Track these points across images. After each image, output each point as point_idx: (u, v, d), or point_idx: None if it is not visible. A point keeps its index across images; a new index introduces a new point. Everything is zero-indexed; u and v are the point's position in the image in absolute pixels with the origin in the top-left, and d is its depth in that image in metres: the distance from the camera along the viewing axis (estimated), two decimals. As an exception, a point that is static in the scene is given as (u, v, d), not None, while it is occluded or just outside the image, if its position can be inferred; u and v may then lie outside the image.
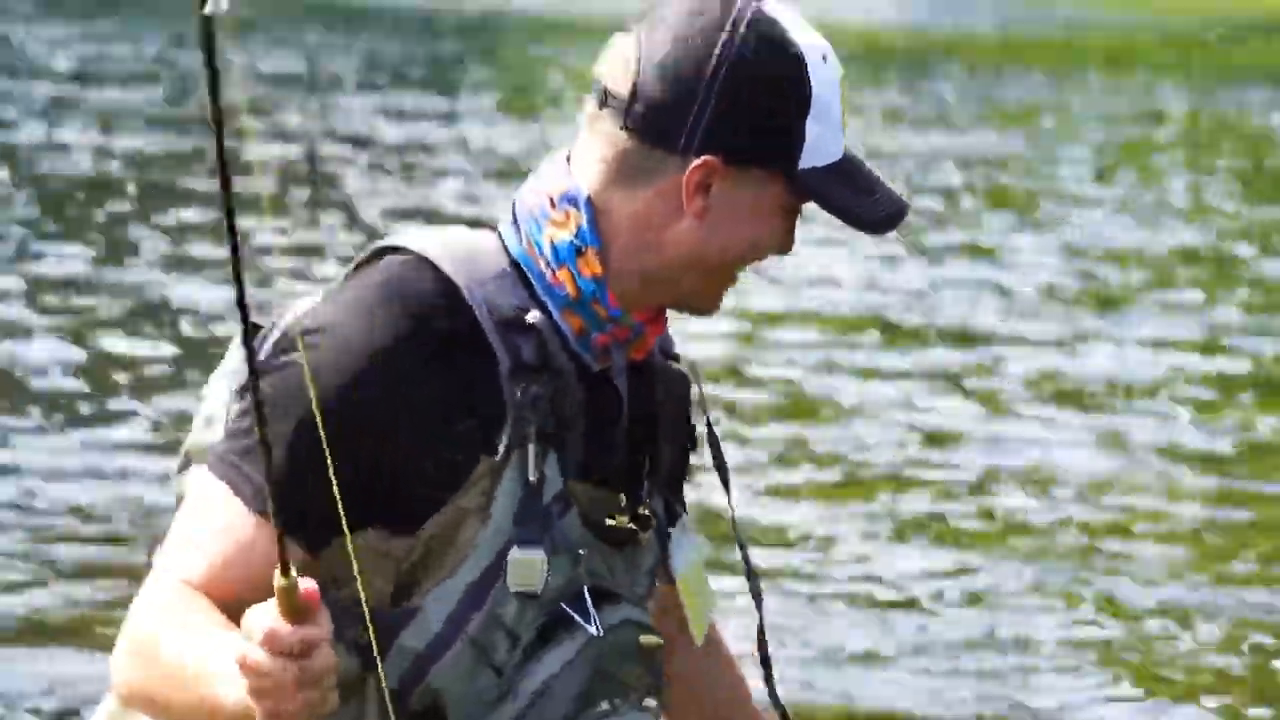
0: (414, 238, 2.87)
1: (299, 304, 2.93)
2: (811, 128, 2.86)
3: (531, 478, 2.80)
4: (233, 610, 2.72)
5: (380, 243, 2.87)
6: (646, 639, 2.90)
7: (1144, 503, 8.95)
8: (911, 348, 12.09)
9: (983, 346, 12.23)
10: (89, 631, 6.43)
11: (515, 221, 2.91)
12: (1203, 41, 36.31)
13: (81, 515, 7.91)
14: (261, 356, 2.85)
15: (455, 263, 2.84)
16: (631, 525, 2.92)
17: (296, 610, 2.53)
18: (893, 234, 2.94)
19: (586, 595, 2.84)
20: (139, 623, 2.80)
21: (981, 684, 6.64)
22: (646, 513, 2.95)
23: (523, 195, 2.92)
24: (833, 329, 12.52)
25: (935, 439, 10.20)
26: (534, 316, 2.84)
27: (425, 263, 2.82)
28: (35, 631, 6.73)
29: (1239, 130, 25.55)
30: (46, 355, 10.78)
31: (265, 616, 2.53)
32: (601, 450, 2.91)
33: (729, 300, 3.03)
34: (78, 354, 10.77)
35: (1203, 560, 8.04)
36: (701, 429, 3.12)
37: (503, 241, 2.91)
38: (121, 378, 10.04)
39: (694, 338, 11.55)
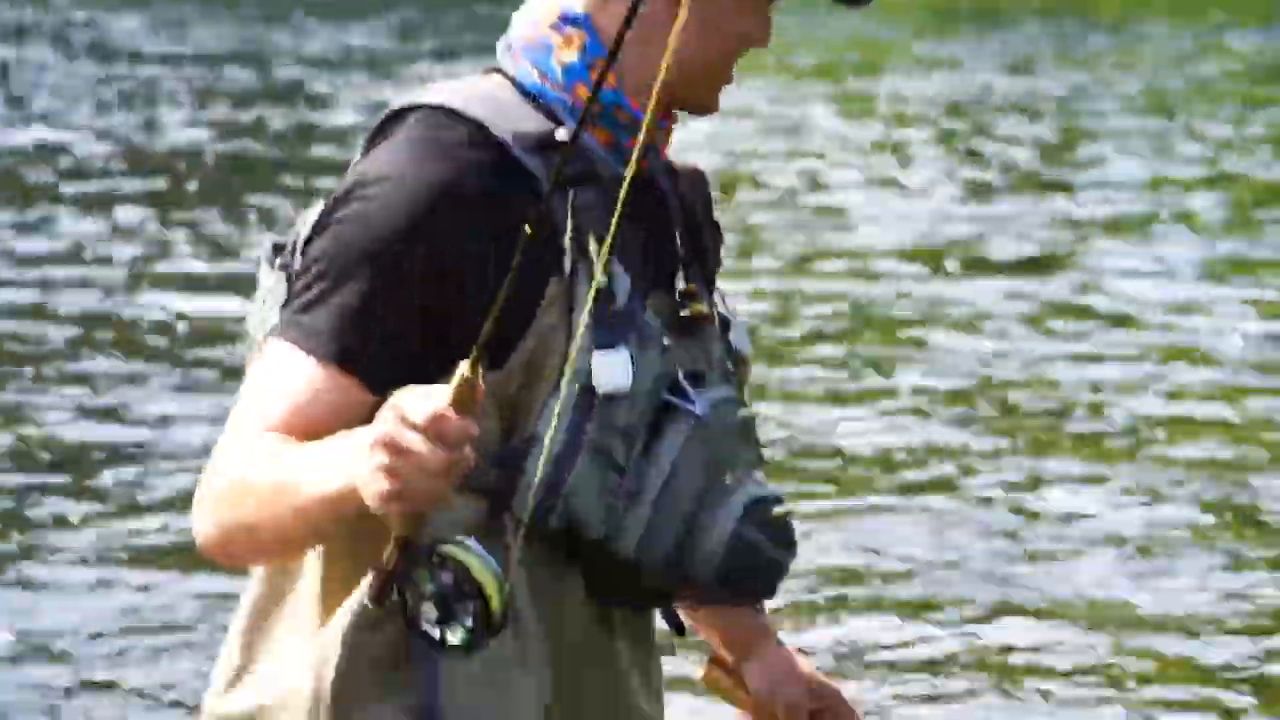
0: (427, 93, 2.84)
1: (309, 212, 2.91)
2: None
3: (601, 284, 2.76)
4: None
5: (394, 105, 2.85)
6: (744, 412, 2.90)
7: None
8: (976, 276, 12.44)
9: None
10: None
11: (520, 60, 2.88)
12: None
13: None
14: (294, 257, 2.84)
15: (474, 105, 2.81)
16: (701, 312, 2.90)
17: (465, 405, 2.49)
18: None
19: (683, 382, 2.81)
20: (220, 467, 2.75)
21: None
22: (704, 305, 2.93)
23: (517, 32, 2.90)
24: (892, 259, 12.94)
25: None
26: (563, 133, 2.79)
27: (446, 110, 2.79)
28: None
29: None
30: (163, 313, 11.12)
31: (430, 400, 2.48)
32: (659, 251, 2.89)
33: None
34: (198, 308, 11.14)
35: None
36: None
37: (511, 80, 2.87)
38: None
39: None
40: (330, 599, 2.81)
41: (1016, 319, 11.39)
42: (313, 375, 2.73)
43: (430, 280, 2.74)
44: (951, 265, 12.89)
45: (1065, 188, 15.95)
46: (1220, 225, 14.41)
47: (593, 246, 2.76)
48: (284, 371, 2.74)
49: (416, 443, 2.45)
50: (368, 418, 2.62)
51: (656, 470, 2.76)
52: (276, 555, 2.81)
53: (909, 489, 8.38)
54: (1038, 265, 12.93)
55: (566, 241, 2.76)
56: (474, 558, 2.53)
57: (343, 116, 18.21)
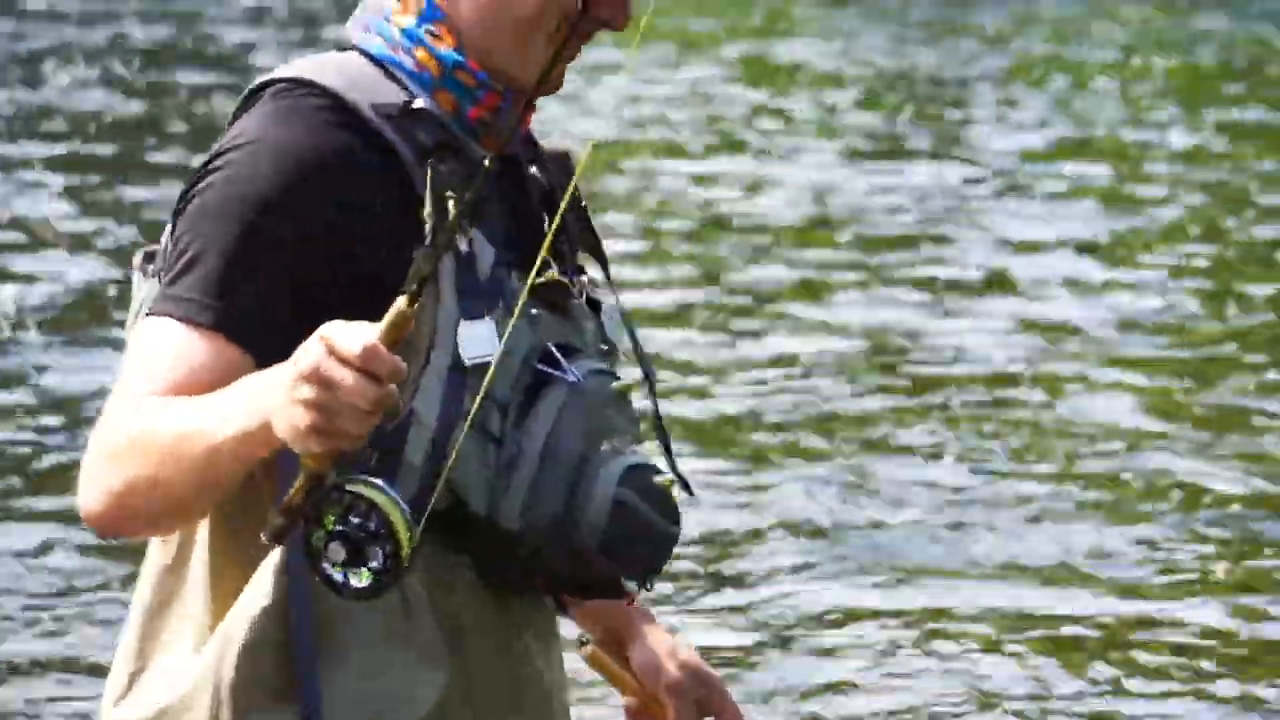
0: (285, 70, 2.80)
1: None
2: None
3: (462, 250, 2.72)
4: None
5: (252, 84, 2.80)
6: (618, 384, 2.82)
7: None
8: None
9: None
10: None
11: (367, 31, 2.84)
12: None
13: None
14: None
15: (329, 76, 2.76)
16: (568, 288, 2.85)
17: (397, 342, 2.46)
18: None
19: (554, 350, 2.75)
20: (109, 431, 2.66)
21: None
22: (568, 280, 2.87)
23: (364, 5, 2.86)
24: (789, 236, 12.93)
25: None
26: (420, 102, 2.77)
27: (304, 81, 2.75)
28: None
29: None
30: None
31: (363, 334, 2.44)
32: (523, 229, 2.83)
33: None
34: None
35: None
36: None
37: (362, 52, 2.83)
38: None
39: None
40: (221, 596, 2.74)
41: (900, 285, 11.49)
42: (191, 342, 2.67)
43: (296, 244, 2.69)
44: (836, 234, 12.86)
45: (946, 157, 16.01)
46: (1100, 194, 14.50)
47: (454, 218, 2.66)
48: (162, 343, 2.68)
49: (347, 377, 2.42)
50: (234, 371, 2.63)
51: (533, 438, 2.70)
52: (176, 513, 2.69)
53: (792, 452, 8.50)
54: (920, 235, 12.95)
55: (427, 211, 2.69)
56: (386, 498, 2.50)
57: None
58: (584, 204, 2.96)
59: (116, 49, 19.84)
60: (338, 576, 2.50)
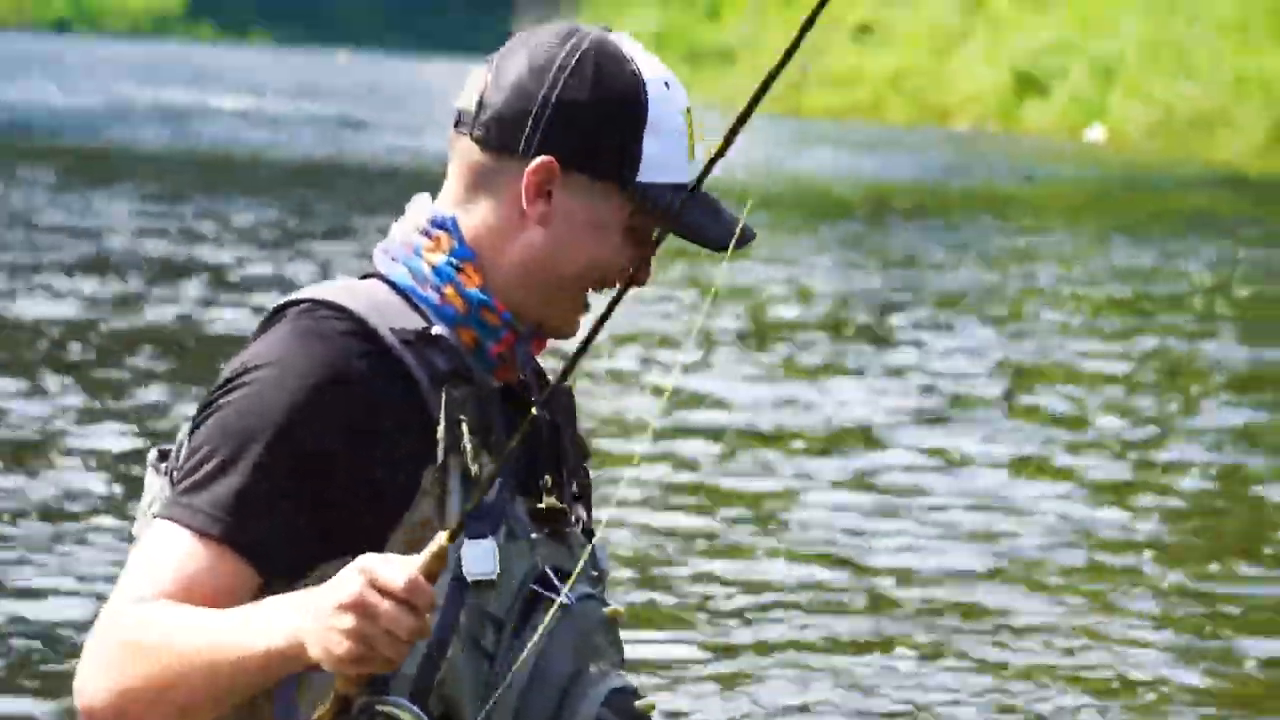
0: (309, 291, 2.87)
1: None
2: (649, 143, 2.88)
3: (472, 472, 2.78)
4: None
5: (278, 303, 2.87)
6: (609, 610, 2.90)
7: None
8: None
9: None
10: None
11: (393, 262, 2.92)
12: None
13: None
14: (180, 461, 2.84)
15: (353, 300, 2.83)
16: (561, 512, 2.91)
17: (434, 576, 2.59)
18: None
19: (550, 574, 2.81)
20: (114, 630, 2.71)
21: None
22: (566, 510, 2.95)
23: (393, 239, 2.93)
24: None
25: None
26: (440, 329, 2.84)
27: (328, 304, 2.82)
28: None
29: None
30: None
31: (405, 567, 2.56)
32: (529, 458, 2.88)
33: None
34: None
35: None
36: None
37: (385, 280, 2.91)
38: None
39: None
40: None
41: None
42: (201, 555, 2.73)
43: (308, 466, 2.75)
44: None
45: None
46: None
47: (465, 441, 2.78)
48: (169, 549, 2.73)
49: (390, 609, 2.55)
50: (242, 589, 2.71)
51: (524, 660, 2.76)
52: (183, 716, 2.73)
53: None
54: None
55: (440, 433, 2.78)
56: (410, 716, 2.67)
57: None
58: (580, 436, 3.06)
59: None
60: None
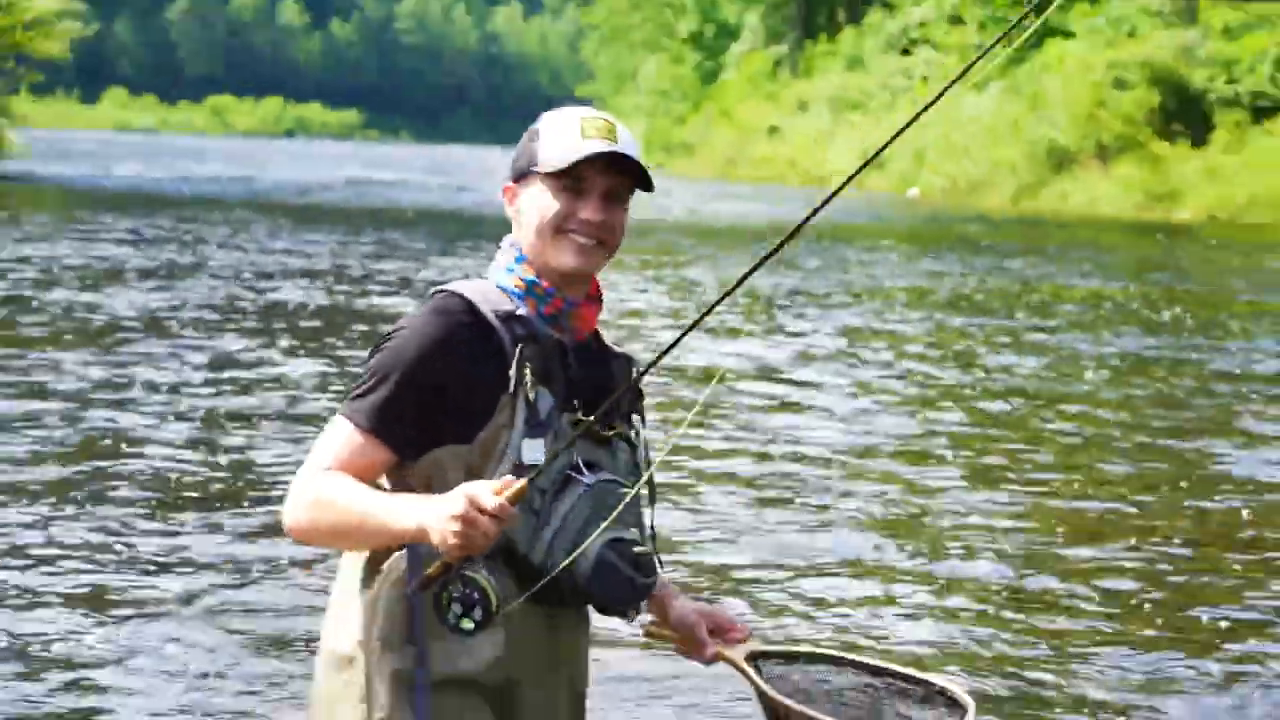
0: (449, 284, 2.79)
1: None
2: (542, 149, 2.75)
3: (530, 399, 2.69)
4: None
5: (430, 290, 2.82)
6: (623, 490, 2.73)
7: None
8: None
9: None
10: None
11: (496, 270, 2.83)
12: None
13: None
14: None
15: (470, 290, 2.75)
16: (606, 431, 2.77)
17: (514, 500, 2.56)
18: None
19: (580, 463, 2.71)
20: (309, 485, 2.68)
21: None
22: (616, 430, 2.80)
23: (495, 257, 2.85)
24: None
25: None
26: (521, 310, 2.75)
27: (452, 292, 2.75)
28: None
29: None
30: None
31: (492, 494, 2.54)
32: (582, 390, 2.77)
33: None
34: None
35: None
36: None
37: (494, 281, 2.82)
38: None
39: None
40: (374, 576, 2.76)
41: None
42: (357, 440, 2.69)
43: (428, 389, 2.68)
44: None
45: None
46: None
47: (528, 379, 2.69)
48: (341, 435, 2.70)
49: (484, 522, 2.53)
50: (383, 465, 2.68)
51: (557, 513, 2.68)
52: (337, 546, 2.76)
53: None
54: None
55: (513, 374, 2.70)
56: (486, 582, 2.59)
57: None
58: (639, 390, 2.88)
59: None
60: (453, 621, 2.59)
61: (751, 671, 2.82)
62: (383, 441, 2.68)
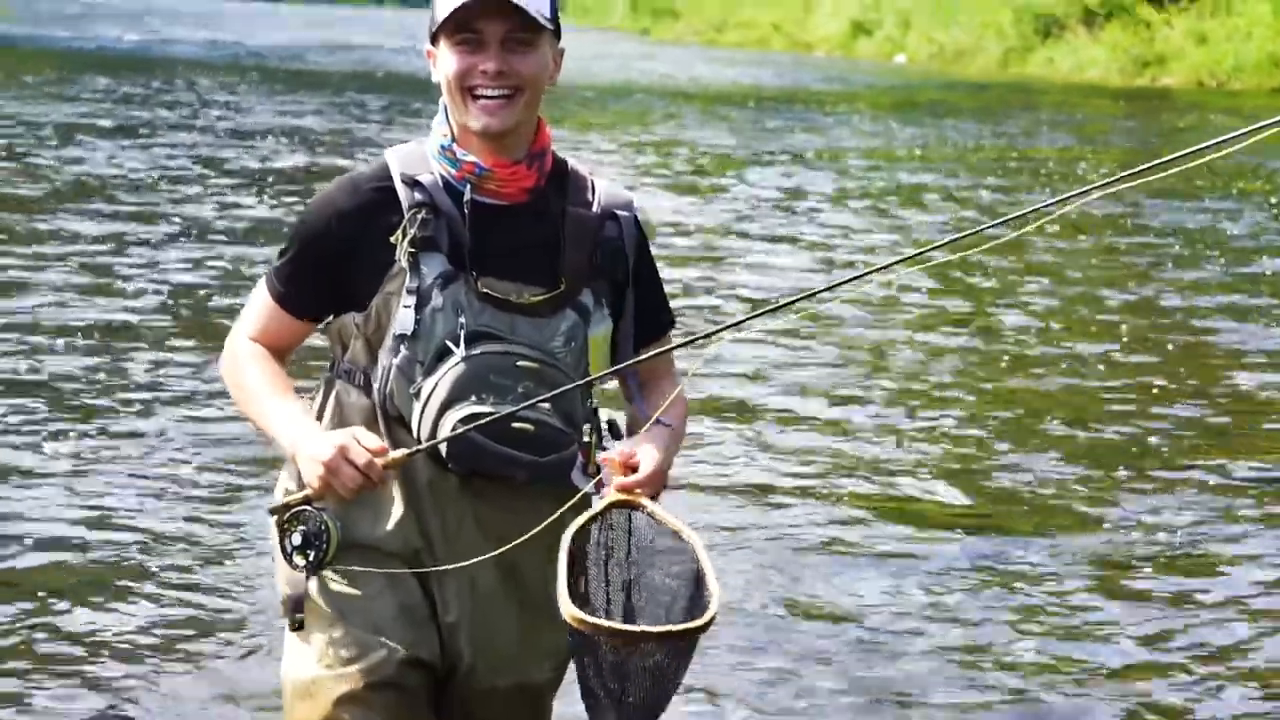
0: (389, 148, 2.71)
1: None
2: (436, 11, 2.60)
3: (408, 266, 2.58)
4: (270, 347, 2.68)
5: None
6: (524, 363, 2.57)
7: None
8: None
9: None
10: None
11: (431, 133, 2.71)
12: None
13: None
14: None
15: (398, 156, 2.65)
16: (527, 300, 2.60)
17: (390, 466, 2.51)
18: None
19: (460, 334, 2.56)
20: (234, 355, 2.68)
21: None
22: (547, 295, 2.61)
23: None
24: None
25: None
26: (425, 177, 2.62)
27: (378, 160, 2.67)
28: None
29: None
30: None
31: (365, 450, 2.49)
32: (501, 255, 2.61)
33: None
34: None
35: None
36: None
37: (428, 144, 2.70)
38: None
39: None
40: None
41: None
42: (270, 305, 2.68)
43: (326, 257, 2.62)
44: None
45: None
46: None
47: (404, 245, 2.59)
48: (259, 300, 2.70)
49: (348, 472, 2.48)
50: (295, 330, 2.67)
51: (428, 384, 2.56)
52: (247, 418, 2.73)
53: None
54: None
55: (404, 242, 2.59)
56: (334, 528, 2.55)
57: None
58: (620, 256, 2.68)
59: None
60: (288, 550, 2.55)
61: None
62: (284, 309, 2.66)
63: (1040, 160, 17.69)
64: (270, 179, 13.35)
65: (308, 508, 2.53)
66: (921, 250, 2.42)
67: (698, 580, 2.43)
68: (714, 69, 35.34)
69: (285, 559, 2.55)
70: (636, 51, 40.91)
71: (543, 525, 2.52)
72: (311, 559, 2.53)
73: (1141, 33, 36.62)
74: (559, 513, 2.54)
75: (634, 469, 2.55)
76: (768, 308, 2.54)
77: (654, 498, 2.53)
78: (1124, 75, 35.78)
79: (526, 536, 2.54)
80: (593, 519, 2.47)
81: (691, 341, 2.60)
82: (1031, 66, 38.31)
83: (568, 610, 2.31)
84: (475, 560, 2.56)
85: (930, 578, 4.95)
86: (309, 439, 2.53)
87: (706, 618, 2.33)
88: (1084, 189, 2.34)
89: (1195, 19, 35.78)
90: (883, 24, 45.51)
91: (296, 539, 2.53)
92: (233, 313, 7.82)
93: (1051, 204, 2.38)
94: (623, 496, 2.50)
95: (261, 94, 22.21)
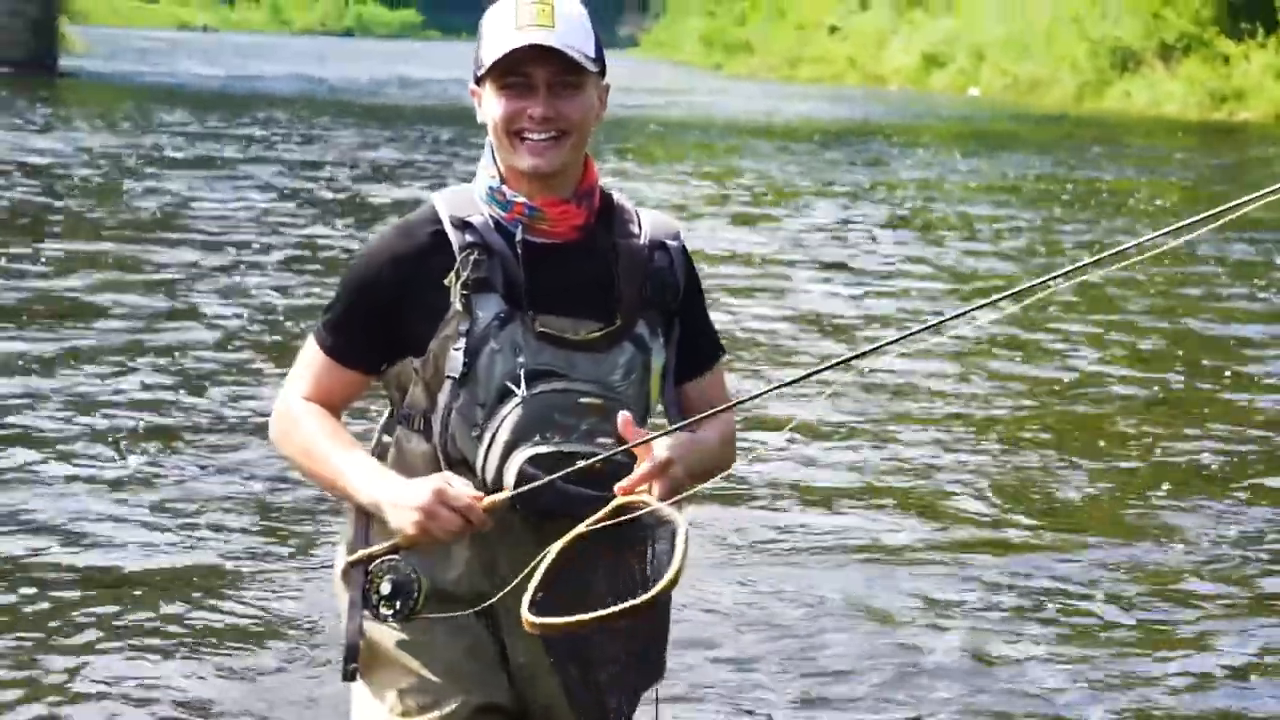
0: (440, 189, 2.70)
1: None
2: (483, 51, 2.56)
3: (462, 309, 2.55)
4: (323, 404, 2.62)
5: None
6: (586, 399, 2.52)
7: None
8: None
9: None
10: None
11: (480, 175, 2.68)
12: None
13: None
14: None
15: (447, 198, 2.62)
16: (584, 337, 2.57)
17: (489, 509, 2.46)
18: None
19: (521, 374, 2.52)
20: (288, 416, 2.62)
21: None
22: (604, 331, 2.58)
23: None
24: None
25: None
26: (476, 218, 2.58)
27: (429, 203, 2.62)
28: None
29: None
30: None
31: (465, 495, 2.44)
32: (555, 293, 2.57)
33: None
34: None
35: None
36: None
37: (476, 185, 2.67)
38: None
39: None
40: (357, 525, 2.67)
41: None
42: (321, 359, 2.63)
43: (378, 306, 2.58)
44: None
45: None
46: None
47: (456, 289, 2.55)
48: (309, 354, 2.65)
49: (448, 516, 2.44)
50: (349, 383, 2.61)
51: (490, 427, 2.52)
52: (306, 476, 2.67)
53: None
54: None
55: (448, 283, 2.56)
56: (423, 577, 2.51)
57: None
58: (671, 287, 2.65)
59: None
60: (375, 600, 2.51)
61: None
62: (337, 361, 2.61)
63: (1122, 194, 17.66)
64: (346, 210, 13.57)
65: (395, 557, 2.50)
66: (1035, 282, 2.38)
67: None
68: (791, 104, 35.39)
69: (369, 609, 2.51)
70: (707, 86, 41.04)
71: (565, 540, 2.40)
72: (399, 608, 2.50)
73: (1219, 67, 36.36)
74: (581, 529, 2.42)
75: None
76: (888, 341, 2.40)
77: (670, 498, 2.44)
78: (1201, 109, 35.53)
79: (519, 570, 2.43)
80: (592, 527, 2.40)
81: (803, 379, 2.47)
82: (1107, 100, 38.13)
83: (527, 619, 2.28)
84: (516, 582, 2.45)
85: (980, 589, 4.96)
86: (397, 487, 2.49)
87: (652, 593, 2.26)
88: (1189, 220, 2.30)
89: (1274, 53, 35.48)
90: (956, 57, 45.49)
91: (386, 588, 2.49)
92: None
93: (1163, 234, 2.33)
94: (624, 499, 2.42)
95: (338, 127, 22.58)
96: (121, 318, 8.49)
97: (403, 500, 2.46)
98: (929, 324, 2.39)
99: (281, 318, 8.78)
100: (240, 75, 37.82)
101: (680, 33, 68.46)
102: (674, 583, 2.27)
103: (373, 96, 32.19)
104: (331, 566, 2.86)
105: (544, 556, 2.35)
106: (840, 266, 11.61)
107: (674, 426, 2.56)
